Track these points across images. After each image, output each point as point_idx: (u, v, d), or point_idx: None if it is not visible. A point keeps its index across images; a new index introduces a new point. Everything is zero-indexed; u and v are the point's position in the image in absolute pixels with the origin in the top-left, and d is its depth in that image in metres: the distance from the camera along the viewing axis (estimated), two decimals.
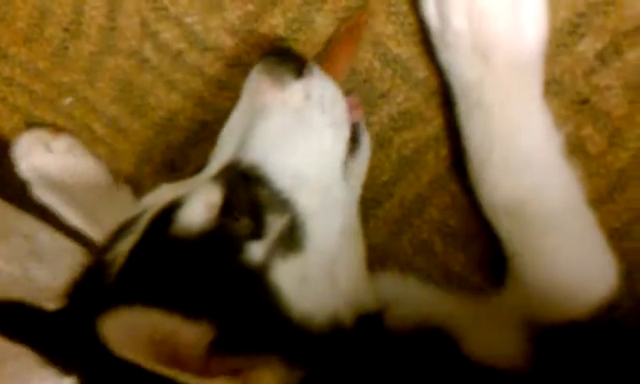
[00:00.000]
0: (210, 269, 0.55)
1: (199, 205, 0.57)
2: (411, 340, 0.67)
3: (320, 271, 0.61)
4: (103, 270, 0.57)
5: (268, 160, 0.61)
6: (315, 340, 0.58)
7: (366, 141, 0.71)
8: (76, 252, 0.97)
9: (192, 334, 0.51)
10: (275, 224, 0.59)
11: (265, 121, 0.63)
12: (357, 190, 0.71)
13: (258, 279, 0.57)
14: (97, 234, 0.94)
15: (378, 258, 0.88)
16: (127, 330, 0.50)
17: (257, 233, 0.57)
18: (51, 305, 0.58)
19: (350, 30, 0.73)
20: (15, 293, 0.80)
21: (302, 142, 0.63)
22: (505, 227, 0.71)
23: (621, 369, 0.67)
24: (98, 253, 0.60)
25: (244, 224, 0.57)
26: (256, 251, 0.57)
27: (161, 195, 0.62)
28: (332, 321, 0.60)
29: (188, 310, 0.51)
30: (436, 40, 0.69)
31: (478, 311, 0.75)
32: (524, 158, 0.67)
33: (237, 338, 0.53)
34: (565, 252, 0.69)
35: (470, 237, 0.82)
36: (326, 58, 0.72)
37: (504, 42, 0.65)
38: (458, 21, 0.65)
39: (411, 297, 0.76)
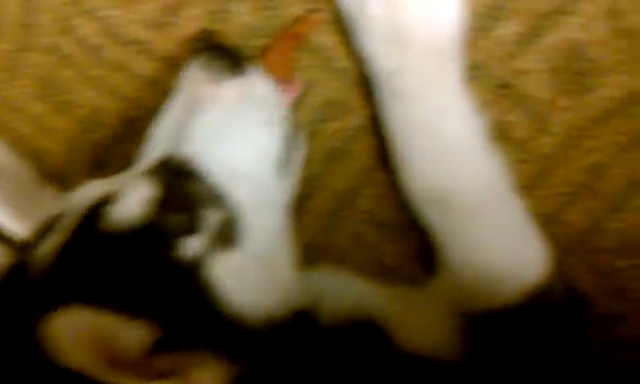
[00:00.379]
0: (144, 266, 0.54)
1: (132, 200, 0.57)
2: (343, 334, 0.66)
3: (257, 267, 0.61)
4: (27, 271, 0.55)
5: (202, 155, 0.61)
6: (254, 336, 0.57)
7: (301, 138, 0.71)
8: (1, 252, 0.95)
9: (131, 334, 0.50)
10: (210, 219, 0.58)
11: (199, 116, 0.62)
12: (292, 187, 0.71)
13: (193, 275, 0.56)
14: (22, 234, 0.92)
15: (313, 252, 0.87)
16: (71, 333, 0.48)
17: (191, 228, 0.57)
18: None
19: (291, 34, 0.72)
20: None
21: (237, 137, 0.63)
22: (430, 217, 0.72)
23: (554, 354, 0.66)
24: (19, 252, 0.59)
25: (178, 219, 0.57)
26: (191, 246, 0.56)
27: (89, 192, 0.60)
28: (270, 317, 0.59)
29: (125, 309, 0.51)
30: (352, 28, 0.69)
31: (410, 302, 0.75)
32: (445, 146, 0.67)
33: (177, 336, 0.52)
34: (492, 239, 0.69)
35: (402, 227, 0.81)
36: (266, 58, 0.70)
37: (420, 28, 0.65)
38: (373, 8, 0.65)
39: (343, 291, 0.75)
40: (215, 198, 0.60)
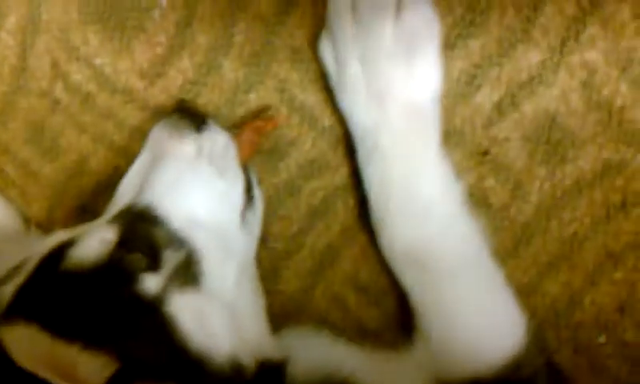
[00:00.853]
0: (105, 299, 0.57)
1: (93, 241, 0.60)
2: None
3: (218, 311, 0.63)
4: None
5: (163, 203, 0.65)
6: (215, 379, 0.59)
7: (258, 193, 0.75)
8: None
9: (91, 365, 0.52)
10: (171, 258, 0.61)
11: (160, 169, 0.67)
12: (254, 239, 0.74)
13: (154, 309, 0.58)
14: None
15: (292, 310, 0.86)
16: (28, 343, 0.51)
17: (152, 266, 0.60)
18: None
19: (257, 126, 0.76)
20: None
21: (195, 189, 0.67)
22: (407, 278, 0.73)
23: None
24: None
25: (138, 257, 0.60)
26: (152, 283, 0.58)
27: (55, 239, 0.63)
28: (232, 363, 0.61)
29: (85, 339, 0.53)
30: (334, 85, 0.71)
31: (387, 368, 0.75)
32: (423, 207, 0.68)
33: (137, 369, 0.54)
34: (467, 305, 0.70)
35: (382, 291, 0.81)
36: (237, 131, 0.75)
37: (398, 89, 0.67)
38: (353, 66, 0.67)
39: (320, 352, 0.76)
40: (174, 241, 0.63)
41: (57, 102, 0.86)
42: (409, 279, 0.72)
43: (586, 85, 0.67)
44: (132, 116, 0.84)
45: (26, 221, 0.95)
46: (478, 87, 0.70)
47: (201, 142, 0.67)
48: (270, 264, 0.87)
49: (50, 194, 0.94)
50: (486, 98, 0.71)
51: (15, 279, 0.59)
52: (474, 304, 0.70)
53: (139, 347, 0.56)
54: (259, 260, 0.85)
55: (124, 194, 0.68)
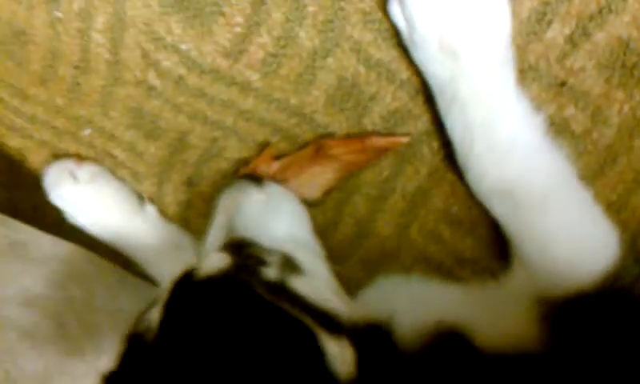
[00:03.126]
0: (240, 289, 0.67)
1: (213, 262, 0.71)
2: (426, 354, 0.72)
3: (321, 283, 0.74)
4: (140, 340, 0.68)
5: (254, 232, 0.78)
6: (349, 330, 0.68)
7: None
8: (111, 269, 1.06)
9: None
10: (272, 257, 0.73)
11: (242, 212, 0.81)
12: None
13: (282, 288, 0.68)
14: (130, 252, 1.03)
15: (390, 251, 0.93)
16: None
17: (262, 262, 0.71)
18: None
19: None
20: (58, 315, 0.90)
21: (275, 220, 0.82)
22: (499, 212, 0.77)
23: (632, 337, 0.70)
24: (131, 329, 0.71)
25: (252, 260, 0.72)
26: (269, 272, 0.70)
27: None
28: (349, 320, 0.69)
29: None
30: (406, 41, 0.74)
31: (487, 298, 0.81)
32: (505, 146, 0.72)
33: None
34: (561, 229, 0.74)
35: (474, 222, 0.86)
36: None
37: (469, 37, 0.69)
38: (422, 21, 0.70)
39: (421, 300, 0.82)
40: (267, 250, 0.74)
41: (152, 88, 0.94)
42: (500, 212, 0.77)
43: None
44: (222, 92, 0.90)
45: (140, 197, 1.05)
46: (549, 23, 0.72)
47: (267, 191, 0.82)
48: (365, 210, 0.93)
49: (158, 170, 1.03)
50: (557, 32, 0.73)
51: (154, 306, 0.69)
52: (567, 226, 0.74)
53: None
54: (356, 208, 0.92)
55: (212, 243, 0.81)
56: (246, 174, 0.88)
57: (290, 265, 0.72)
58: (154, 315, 0.67)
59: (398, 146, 0.85)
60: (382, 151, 0.86)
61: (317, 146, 0.87)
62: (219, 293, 0.65)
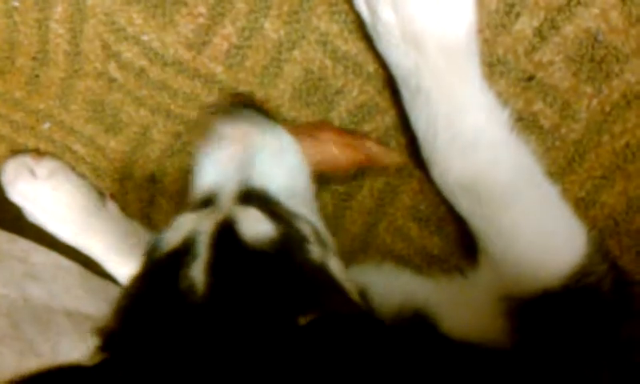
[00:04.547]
0: (292, 265, 0.59)
1: (252, 222, 0.61)
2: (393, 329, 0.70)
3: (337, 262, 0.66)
4: (183, 300, 0.57)
5: (271, 186, 0.67)
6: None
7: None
8: (72, 269, 1.03)
9: None
10: (306, 229, 0.64)
11: (258, 158, 0.68)
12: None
13: (325, 272, 0.61)
14: (90, 250, 1.00)
15: (359, 247, 0.91)
16: None
17: (305, 238, 0.62)
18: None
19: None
20: (13, 315, 0.87)
21: (288, 170, 0.70)
22: (464, 208, 0.76)
23: (598, 334, 0.69)
24: (142, 291, 0.61)
25: (297, 232, 0.62)
26: (314, 250, 0.61)
27: (187, 224, 0.64)
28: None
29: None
30: (370, 32, 0.73)
31: (455, 291, 0.80)
32: (469, 139, 0.71)
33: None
34: (527, 224, 0.73)
35: (442, 219, 0.85)
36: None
37: (432, 28, 0.68)
38: (385, 12, 0.69)
39: (388, 285, 0.80)
40: (296, 216, 0.65)
41: (112, 80, 0.91)
42: (465, 208, 0.76)
43: (624, 0, 0.68)
44: (185, 85, 0.88)
45: (101, 194, 1.02)
46: (517, 15, 0.72)
47: (279, 136, 0.70)
48: (333, 206, 0.91)
49: (119, 166, 1.00)
50: (525, 25, 0.72)
51: (193, 263, 0.59)
52: (532, 223, 0.73)
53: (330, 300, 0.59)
54: (324, 204, 0.90)
55: (210, 175, 0.69)
56: (247, 102, 0.77)
57: (319, 239, 0.64)
58: (198, 275, 0.58)
59: (389, 164, 0.82)
60: (373, 162, 0.82)
61: (314, 125, 0.84)
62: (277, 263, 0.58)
